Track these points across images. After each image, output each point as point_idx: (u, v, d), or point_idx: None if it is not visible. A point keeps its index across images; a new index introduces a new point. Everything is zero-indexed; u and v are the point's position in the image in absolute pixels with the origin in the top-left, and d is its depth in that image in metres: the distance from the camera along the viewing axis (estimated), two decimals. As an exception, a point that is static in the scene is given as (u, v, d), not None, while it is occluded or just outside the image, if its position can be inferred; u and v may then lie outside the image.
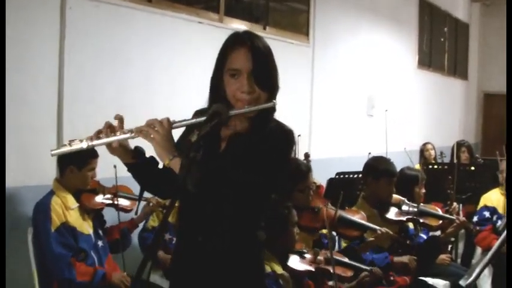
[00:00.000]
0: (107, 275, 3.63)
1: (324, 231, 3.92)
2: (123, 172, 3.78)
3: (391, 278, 3.94)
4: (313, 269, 3.54)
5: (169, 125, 2.01)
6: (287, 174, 2.20)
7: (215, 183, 2.00)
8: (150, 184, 2.29)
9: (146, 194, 3.92)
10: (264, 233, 2.24)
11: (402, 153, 7.15)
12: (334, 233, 4.19)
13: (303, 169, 3.93)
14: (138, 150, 2.19)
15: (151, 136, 1.99)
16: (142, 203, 4.11)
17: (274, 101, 2.10)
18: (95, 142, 2.04)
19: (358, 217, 4.10)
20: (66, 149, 2.05)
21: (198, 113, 2.20)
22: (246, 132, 2.16)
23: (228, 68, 2.10)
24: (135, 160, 2.18)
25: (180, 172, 1.91)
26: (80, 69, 4.31)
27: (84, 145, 2.03)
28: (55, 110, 4.18)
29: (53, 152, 2.08)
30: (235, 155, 2.10)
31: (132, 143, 2.19)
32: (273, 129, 2.13)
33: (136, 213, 4.12)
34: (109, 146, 2.10)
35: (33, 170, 4.01)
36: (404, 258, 4.07)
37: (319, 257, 3.58)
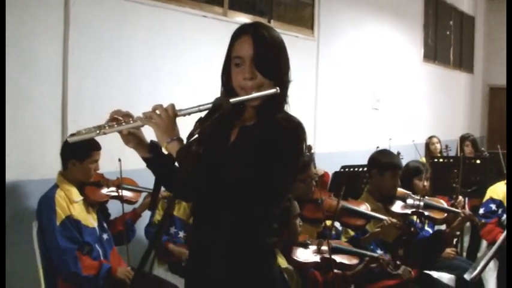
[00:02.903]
0: (112, 270, 3.64)
1: (328, 222, 3.91)
2: (128, 166, 3.80)
3: (398, 262, 3.90)
4: (318, 260, 3.54)
5: (173, 111, 2.03)
6: (296, 166, 2.14)
7: (220, 176, 1.98)
8: (166, 180, 2.27)
9: (150, 185, 3.99)
10: (275, 238, 2.20)
11: (408, 147, 7.16)
12: (338, 226, 4.19)
13: (304, 159, 3.91)
14: (154, 145, 2.19)
15: (154, 121, 2.01)
16: (144, 194, 4.12)
17: (277, 88, 2.06)
18: (107, 130, 2.07)
19: (361, 208, 4.10)
20: (81, 136, 2.09)
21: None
22: (253, 123, 2.14)
23: (232, 57, 2.11)
24: (151, 154, 2.18)
25: (179, 163, 1.95)
26: (83, 64, 4.30)
27: (97, 132, 2.06)
28: (59, 104, 4.18)
29: (69, 139, 2.15)
30: (243, 148, 2.08)
31: (148, 137, 2.20)
32: (280, 122, 2.08)
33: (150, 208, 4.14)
34: (123, 135, 2.12)
35: (36, 164, 4.02)
36: (399, 270, 4.02)
37: (323, 247, 3.58)
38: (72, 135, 2.12)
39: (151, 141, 2.18)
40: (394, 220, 4.02)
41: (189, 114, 2.04)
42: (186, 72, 5.16)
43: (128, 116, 2.11)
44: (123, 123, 2.07)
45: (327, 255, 3.55)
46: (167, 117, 2.01)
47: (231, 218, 2.06)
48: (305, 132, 2.12)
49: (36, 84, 4.03)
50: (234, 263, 2.10)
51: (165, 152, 2.15)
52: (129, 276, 3.66)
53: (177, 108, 2.04)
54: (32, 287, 3.66)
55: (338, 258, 3.58)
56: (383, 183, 4.32)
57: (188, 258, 2.32)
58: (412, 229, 4.23)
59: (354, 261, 3.68)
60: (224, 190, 1.98)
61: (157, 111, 2.02)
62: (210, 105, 2.00)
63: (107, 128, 2.07)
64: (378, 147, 5.50)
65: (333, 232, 3.96)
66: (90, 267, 3.56)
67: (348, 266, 3.64)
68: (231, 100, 2.02)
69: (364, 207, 4.11)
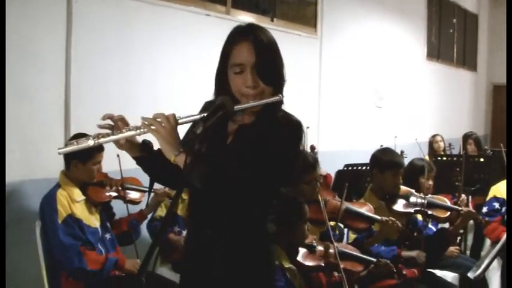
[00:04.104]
0: (120, 262, 3.66)
1: (332, 223, 3.90)
2: (130, 164, 3.80)
3: (403, 272, 3.91)
4: (322, 264, 3.52)
5: (175, 120, 1.99)
6: (295, 165, 2.15)
7: (222, 177, 1.98)
8: (159, 176, 2.29)
9: (155, 185, 3.98)
10: (273, 226, 2.23)
11: (412, 145, 7.15)
12: (341, 225, 4.18)
13: (310, 161, 3.90)
14: (146, 144, 2.18)
15: (157, 131, 1.97)
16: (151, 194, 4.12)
17: (280, 95, 2.07)
18: (102, 140, 2.02)
19: (365, 209, 4.09)
20: (73, 147, 2.03)
21: (208, 104, 2.20)
22: (252, 124, 2.14)
23: (232, 64, 2.08)
24: (143, 154, 2.17)
25: (184, 165, 1.89)
26: (86, 62, 4.31)
27: (91, 143, 2.01)
28: (62, 103, 4.19)
29: (59, 151, 2.05)
30: (241, 147, 2.08)
31: (140, 137, 2.17)
32: (279, 121, 2.10)
33: (147, 205, 4.13)
34: (116, 142, 2.09)
35: (38, 163, 4.01)
36: (413, 253, 4.04)
37: (330, 251, 3.55)
38: (71, 141, 2.06)
39: (143, 141, 2.18)
40: (397, 222, 4.01)
41: (190, 122, 2.02)
42: (188, 70, 5.15)
43: (122, 120, 2.07)
44: (119, 133, 2.02)
45: (332, 260, 3.53)
46: (171, 127, 1.98)
47: (231, 218, 2.08)
48: (303, 131, 2.13)
49: (39, 82, 4.03)
50: (235, 263, 2.12)
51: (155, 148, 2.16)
52: (137, 268, 3.68)
53: (177, 115, 2.02)
54: (34, 287, 3.66)
55: (343, 264, 3.54)
56: (384, 182, 4.31)
57: (185, 259, 2.31)
58: (415, 234, 4.22)
59: (359, 268, 3.66)
60: (224, 191, 1.99)
61: (159, 119, 1.99)
62: (209, 112, 1.97)
63: (102, 138, 2.02)
64: (381, 145, 5.49)
65: (336, 232, 3.95)
66: (96, 262, 3.57)
67: (352, 273, 3.63)
68: (236, 107, 2.02)
69: (367, 209, 4.10)
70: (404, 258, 4.02)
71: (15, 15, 3.79)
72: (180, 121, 2.00)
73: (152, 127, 1.98)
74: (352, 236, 4.21)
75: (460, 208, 4.61)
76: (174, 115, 2.01)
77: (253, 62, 2.04)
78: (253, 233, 2.14)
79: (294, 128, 2.11)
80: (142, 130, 2.00)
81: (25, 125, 3.94)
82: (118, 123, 2.06)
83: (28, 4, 3.92)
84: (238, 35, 2.10)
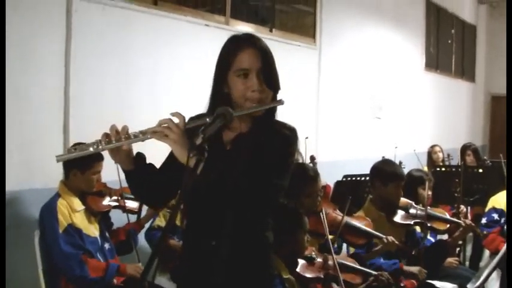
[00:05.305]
0: (121, 267, 3.65)
1: (331, 237, 3.89)
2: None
3: (402, 285, 3.90)
4: (321, 276, 3.51)
5: (184, 123, 2.01)
6: (289, 172, 2.18)
7: (224, 186, 1.99)
8: (143, 191, 2.25)
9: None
10: (272, 233, 2.26)
11: (410, 156, 7.15)
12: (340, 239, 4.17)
13: (311, 174, 3.89)
14: (140, 157, 2.17)
15: (168, 136, 1.97)
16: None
17: (281, 99, 2.13)
18: (104, 146, 2.00)
19: (364, 224, 4.08)
20: (72, 154, 2.02)
21: (193, 119, 2.18)
22: (250, 132, 2.17)
23: (236, 69, 2.12)
24: (135, 166, 2.15)
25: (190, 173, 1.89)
26: (85, 71, 4.30)
27: (91, 149, 1.98)
28: (61, 112, 4.18)
29: (58, 158, 2.03)
30: (241, 156, 2.11)
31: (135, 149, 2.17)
32: (277, 128, 2.16)
33: (138, 216, 4.12)
34: (115, 150, 2.07)
35: (38, 172, 4.00)
36: (414, 269, 4.03)
37: (329, 262, 3.55)
38: (73, 148, 2.02)
39: (138, 154, 2.17)
40: (396, 242, 4.00)
41: (195, 126, 2.01)
42: (187, 80, 5.15)
43: (125, 132, 2.04)
44: (123, 139, 2.01)
45: (331, 272, 3.52)
46: (180, 131, 1.98)
47: (233, 227, 2.09)
48: (298, 136, 2.21)
49: (39, 91, 4.03)
50: (236, 270, 2.14)
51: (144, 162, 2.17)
52: (139, 272, 3.66)
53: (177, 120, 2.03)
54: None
55: (342, 276, 3.54)
56: (386, 194, 4.31)
57: (183, 268, 2.30)
58: (414, 252, 4.22)
59: (358, 280, 3.65)
60: (226, 200, 2.01)
61: (167, 125, 1.99)
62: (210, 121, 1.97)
63: (104, 144, 2.00)
64: (383, 157, 5.49)
65: (335, 245, 3.94)
66: (97, 269, 3.56)
67: (351, 285, 3.62)
68: (239, 113, 2.04)
69: (366, 223, 4.09)
70: (405, 273, 4.00)
71: (16, 24, 3.80)
72: (187, 126, 2.01)
73: (161, 133, 1.98)
74: (352, 250, 4.20)
75: (458, 221, 4.61)
76: (183, 118, 2.02)
77: (259, 67, 2.10)
78: (254, 240, 2.17)
79: (289, 135, 2.17)
80: (149, 136, 1.99)
81: (24, 134, 3.94)
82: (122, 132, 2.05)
83: (29, 13, 3.92)
84: (240, 43, 2.16)
